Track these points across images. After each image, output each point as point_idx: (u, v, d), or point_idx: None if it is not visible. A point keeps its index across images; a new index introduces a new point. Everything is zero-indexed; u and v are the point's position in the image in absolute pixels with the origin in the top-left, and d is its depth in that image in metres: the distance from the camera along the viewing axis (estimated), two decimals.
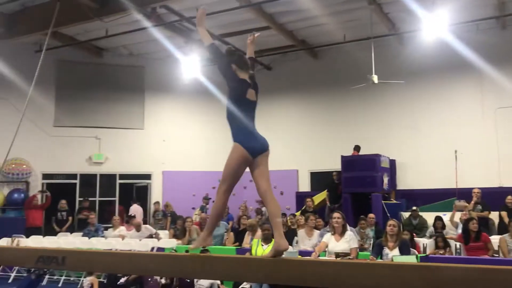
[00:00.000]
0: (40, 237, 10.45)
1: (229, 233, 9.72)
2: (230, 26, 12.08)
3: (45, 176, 13.36)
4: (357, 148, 12.14)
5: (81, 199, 13.15)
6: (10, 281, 9.23)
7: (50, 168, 13.33)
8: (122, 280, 7.62)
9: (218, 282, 7.25)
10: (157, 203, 13.40)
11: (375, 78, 10.76)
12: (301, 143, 14.09)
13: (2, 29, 11.58)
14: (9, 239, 9.79)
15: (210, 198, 13.27)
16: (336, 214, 6.74)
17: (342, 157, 11.63)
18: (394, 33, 12.12)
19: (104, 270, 4.35)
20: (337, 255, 6.23)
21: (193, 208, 13.06)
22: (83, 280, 7.86)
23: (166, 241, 9.42)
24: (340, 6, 11.18)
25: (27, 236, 10.35)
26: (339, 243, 6.50)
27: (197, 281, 7.18)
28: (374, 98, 13.02)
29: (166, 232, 10.94)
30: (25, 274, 9.28)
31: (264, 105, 14.65)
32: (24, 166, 12.73)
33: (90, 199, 12.96)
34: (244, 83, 3.40)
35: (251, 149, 3.29)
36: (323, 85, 13.98)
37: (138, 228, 9.89)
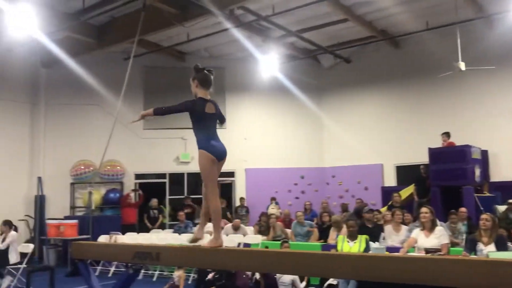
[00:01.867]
0: (135, 233, 11.11)
1: (313, 230, 9.70)
2: (307, 21, 12.04)
3: (137, 176, 14.18)
4: (447, 134, 11.49)
5: (170, 196, 13.90)
6: (109, 275, 9.90)
7: (142, 168, 14.13)
8: (209, 276, 7.88)
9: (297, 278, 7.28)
10: (242, 199, 13.70)
11: (462, 65, 10.19)
12: (385, 136, 13.71)
13: (93, 40, 12.41)
14: (107, 236, 10.53)
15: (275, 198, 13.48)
16: (424, 209, 6.50)
17: (430, 149, 11.15)
18: (481, 16, 11.39)
19: (194, 265, 4.55)
20: (427, 251, 6.00)
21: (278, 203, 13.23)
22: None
23: (252, 237, 9.61)
24: None
25: (123, 233, 11.05)
26: (429, 238, 6.26)
27: (279, 278, 7.26)
28: (462, 86, 12.35)
29: (251, 228, 11.17)
30: (123, 269, 9.96)
31: (344, 99, 14.60)
32: (118, 167, 13.60)
33: (178, 197, 13.61)
34: (201, 100, 3.86)
35: (215, 153, 3.85)
36: (406, 75, 13.50)
37: (236, 227, 10.16)
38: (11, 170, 13.16)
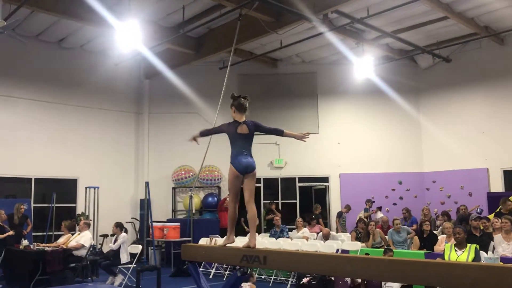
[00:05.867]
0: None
1: (414, 238, 9.31)
2: (403, 21, 11.67)
3: None
4: None
5: (266, 201, 14.08)
6: (210, 277, 10.26)
7: None
8: (304, 280, 7.89)
9: None
10: (347, 206, 13.31)
11: None
12: (491, 139, 12.81)
13: (192, 51, 13.01)
14: (208, 238, 10.93)
15: (374, 201, 12.93)
16: None
17: None
18: None
19: (299, 269, 4.59)
20: None
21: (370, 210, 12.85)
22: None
23: (350, 243, 9.47)
24: None
25: (221, 236, 11.39)
26: None
27: (385, 283, 7.09)
28: None
29: (348, 234, 11.00)
30: (222, 271, 10.27)
31: (445, 100, 13.90)
32: (216, 172, 14.08)
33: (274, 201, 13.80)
34: (235, 123, 4.61)
35: (238, 168, 4.57)
36: None
37: (326, 236, 10.11)
38: (119, 175, 14.19)
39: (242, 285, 7.79)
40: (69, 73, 13.41)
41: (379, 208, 12.89)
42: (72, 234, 10.16)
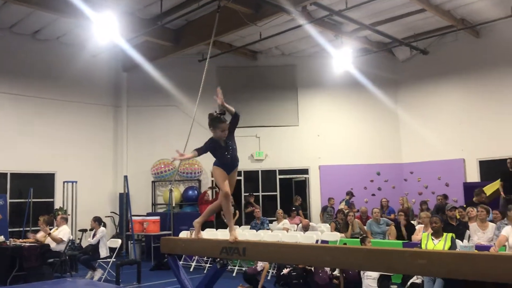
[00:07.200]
0: (214, 229, 11.39)
1: (391, 228, 9.43)
2: (382, 13, 11.76)
3: None
4: None
5: (246, 194, 14.08)
6: (191, 270, 10.24)
7: None
8: (285, 271, 7.96)
9: None
10: (331, 199, 13.34)
11: None
12: (467, 130, 13.05)
13: (170, 44, 12.89)
14: (188, 231, 10.89)
15: (354, 195, 13.09)
16: None
17: None
18: None
19: (279, 260, 4.62)
20: None
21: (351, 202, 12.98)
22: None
23: (329, 234, 9.55)
24: None
25: (202, 229, 11.34)
26: None
27: (364, 273, 7.18)
28: None
29: (327, 225, 11.10)
30: (203, 264, 10.26)
31: (422, 92, 14.10)
32: (196, 166, 14.02)
33: (254, 194, 13.79)
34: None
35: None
36: (489, 65, 12.77)
37: (306, 228, 10.16)
38: (97, 169, 14.02)
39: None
40: (45, 66, 13.16)
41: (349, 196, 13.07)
42: (50, 229, 10.01)
